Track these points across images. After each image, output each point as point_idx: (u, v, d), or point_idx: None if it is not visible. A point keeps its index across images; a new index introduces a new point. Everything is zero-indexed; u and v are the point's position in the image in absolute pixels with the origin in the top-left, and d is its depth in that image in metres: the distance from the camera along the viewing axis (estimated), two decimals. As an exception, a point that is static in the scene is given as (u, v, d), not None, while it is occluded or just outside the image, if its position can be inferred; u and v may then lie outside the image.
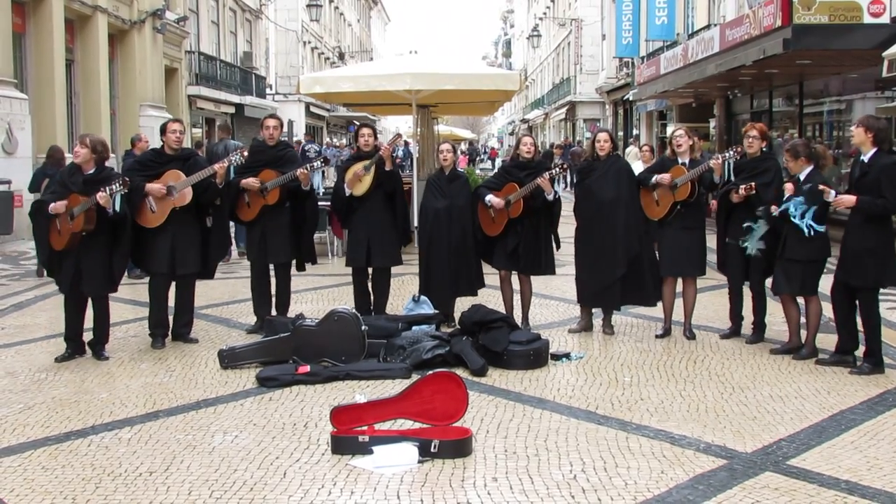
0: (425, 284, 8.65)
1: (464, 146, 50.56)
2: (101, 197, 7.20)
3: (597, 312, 8.63)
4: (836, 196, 7.00)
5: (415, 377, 6.51)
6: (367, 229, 8.61)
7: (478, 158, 53.76)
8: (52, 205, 7.33)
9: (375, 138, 8.90)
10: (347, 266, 8.93)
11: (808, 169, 7.40)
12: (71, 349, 7.67)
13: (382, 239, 8.64)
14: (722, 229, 8.19)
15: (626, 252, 8.19)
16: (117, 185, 7.29)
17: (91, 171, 7.51)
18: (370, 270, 8.87)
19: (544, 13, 56.77)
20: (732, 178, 7.90)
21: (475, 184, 9.64)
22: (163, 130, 8.14)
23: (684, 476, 4.96)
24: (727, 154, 7.98)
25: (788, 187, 7.41)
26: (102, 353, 7.70)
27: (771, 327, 8.17)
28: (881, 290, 7.17)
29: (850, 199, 6.94)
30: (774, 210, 7.41)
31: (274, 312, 8.62)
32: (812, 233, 7.15)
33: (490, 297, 9.00)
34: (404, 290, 10.12)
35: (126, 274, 8.92)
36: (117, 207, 7.35)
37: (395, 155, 8.93)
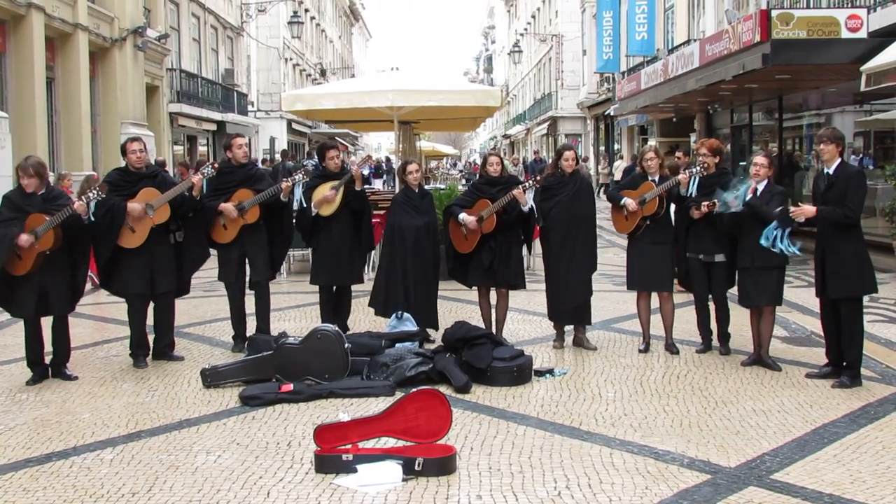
0: (405, 302, 8.46)
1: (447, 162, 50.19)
2: (79, 206, 7.23)
3: (568, 330, 8.68)
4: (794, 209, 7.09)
5: (398, 395, 6.52)
6: (332, 248, 8.63)
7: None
8: (20, 237, 7.12)
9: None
10: (311, 284, 8.94)
11: (766, 182, 7.50)
12: (39, 373, 7.55)
13: (347, 258, 8.67)
14: (682, 244, 8.22)
15: (592, 270, 8.44)
16: (93, 191, 7.34)
17: (43, 192, 7.46)
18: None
19: (525, 29, 56.99)
20: (694, 193, 7.98)
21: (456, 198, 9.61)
22: (123, 151, 8.04)
23: (668, 491, 4.97)
24: (694, 170, 8.05)
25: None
26: (66, 373, 7.62)
27: (735, 336, 8.24)
28: (864, 302, 7.20)
29: (810, 210, 7.00)
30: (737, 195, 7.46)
31: (254, 331, 8.56)
32: (789, 251, 7.16)
33: (473, 314, 8.99)
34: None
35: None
36: (92, 215, 7.41)
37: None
